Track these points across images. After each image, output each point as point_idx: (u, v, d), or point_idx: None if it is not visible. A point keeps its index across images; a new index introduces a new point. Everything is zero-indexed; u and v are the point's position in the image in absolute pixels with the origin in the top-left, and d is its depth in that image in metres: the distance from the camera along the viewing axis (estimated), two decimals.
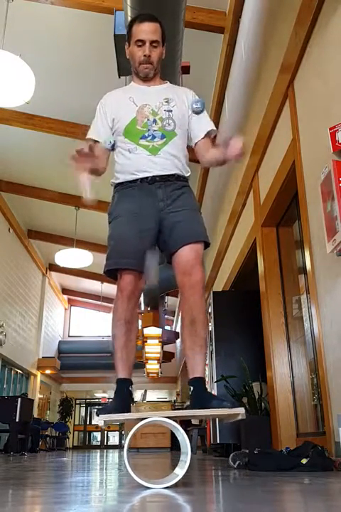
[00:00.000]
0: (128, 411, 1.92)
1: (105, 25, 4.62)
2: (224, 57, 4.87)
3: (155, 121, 2.10)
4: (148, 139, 2.08)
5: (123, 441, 13.89)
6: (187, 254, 1.99)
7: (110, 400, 17.91)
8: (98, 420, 1.85)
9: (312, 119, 3.09)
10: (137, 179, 2.07)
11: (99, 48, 5.44)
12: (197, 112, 2.19)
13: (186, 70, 4.44)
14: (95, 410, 18.98)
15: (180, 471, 1.67)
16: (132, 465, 1.67)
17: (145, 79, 2.22)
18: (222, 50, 4.98)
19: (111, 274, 2.03)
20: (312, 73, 3.11)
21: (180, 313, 2.03)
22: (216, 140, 2.16)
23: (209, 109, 5.71)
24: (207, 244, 2.08)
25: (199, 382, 1.92)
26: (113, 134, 2.18)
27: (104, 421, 1.85)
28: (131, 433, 1.76)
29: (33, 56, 5.11)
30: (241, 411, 1.80)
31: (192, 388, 1.92)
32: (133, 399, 1.99)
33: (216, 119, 5.42)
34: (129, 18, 3.52)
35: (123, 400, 1.94)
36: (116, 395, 1.97)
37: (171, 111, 2.14)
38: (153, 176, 2.05)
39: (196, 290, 1.96)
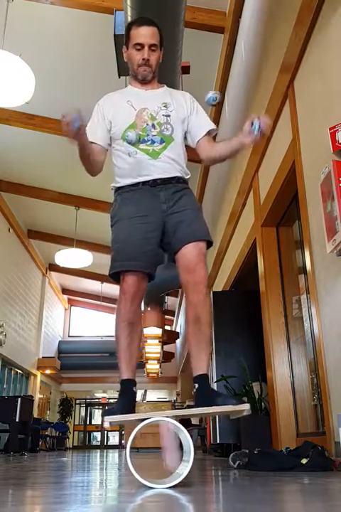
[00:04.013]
0: (133, 412, 1.92)
1: (105, 25, 4.62)
2: (224, 57, 4.87)
3: (153, 125, 2.11)
4: (148, 143, 2.09)
5: (123, 442, 13.90)
6: (190, 252, 2.00)
7: (110, 400, 17.94)
8: (104, 422, 1.85)
9: (312, 119, 3.09)
10: (138, 182, 2.08)
11: (99, 48, 5.44)
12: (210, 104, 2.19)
13: (186, 70, 4.45)
14: (95, 410, 19.03)
15: (184, 471, 1.67)
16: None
17: (144, 82, 2.22)
18: (222, 50, 4.99)
19: (116, 277, 2.03)
20: (312, 73, 3.11)
21: (185, 312, 2.04)
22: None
23: (209, 109, 5.71)
24: (209, 244, 2.09)
25: (203, 379, 1.93)
26: (110, 137, 2.18)
27: (110, 422, 1.85)
28: (133, 433, 1.76)
29: (33, 56, 5.11)
30: (245, 407, 1.81)
31: (196, 386, 1.93)
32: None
33: (216, 119, 5.42)
34: (129, 18, 3.52)
35: (129, 401, 1.95)
36: (121, 396, 1.97)
37: (169, 115, 2.14)
38: (155, 179, 2.07)
39: (200, 288, 1.97)
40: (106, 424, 1.85)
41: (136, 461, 4.28)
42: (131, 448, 1.63)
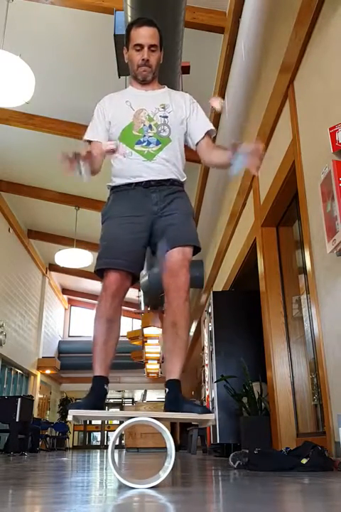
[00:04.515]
0: (101, 408, 1.92)
1: (105, 25, 4.62)
2: (224, 57, 4.87)
3: (150, 126, 2.11)
4: (144, 144, 2.09)
5: (123, 441, 13.92)
6: (175, 256, 2.01)
7: (110, 400, 17.92)
8: (68, 415, 1.86)
9: (312, 119, 3.09)
10: (131, 183, 2.09)
11: (99, 48, 5.44)
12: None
13: (186, 70, 4.45)
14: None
15: (163, 473, 1.69)
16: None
17: (144, 82, 2.22)
18: (222, 50, 4.99)
19: (100, 274, 2.05)
20: (312, 73, 3.11)
21: (164, 315, 2.04)
22: (224, 144, 2.13)
23: (209, 109, 5.71)
24: (197, 249, 2.10)
25: (174, 385, 1.94)
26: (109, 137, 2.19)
27: (74, 416, 1.86)
28: (115, 433, 1.79)
29: (33, 56, 5.11)
30: (210, 417, 1.83)
31: (167, 390, 1.94)
32: (105, 397, 2.00)
33: (216, 120, 5.41)
34: (129, 19, 3.52)
35: (97, 397, 1.95)
36: (90, 392, 1.97)
37: (167, 117, 2.15)
38: (148, 181, 2.07)
39: (180, 293, 1.98)
40: (70, 418, 1.86)
41: (134, 461, 4.29)
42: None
